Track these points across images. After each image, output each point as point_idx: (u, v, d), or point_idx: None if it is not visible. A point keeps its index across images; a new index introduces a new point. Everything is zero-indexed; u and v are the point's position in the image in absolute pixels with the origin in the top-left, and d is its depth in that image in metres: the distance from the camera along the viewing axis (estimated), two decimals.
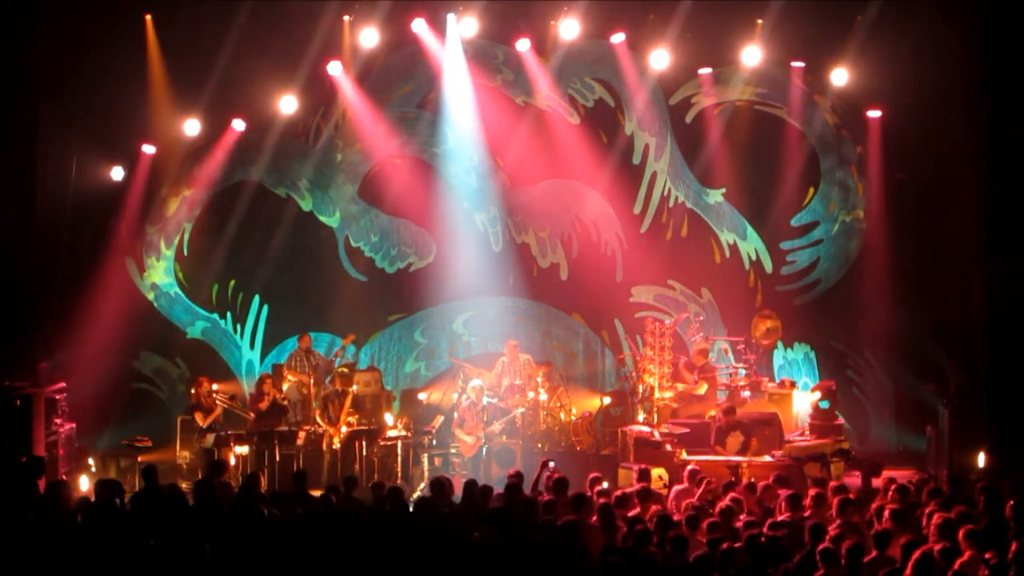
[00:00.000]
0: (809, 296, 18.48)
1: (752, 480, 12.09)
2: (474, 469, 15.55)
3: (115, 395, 17.40)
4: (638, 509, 10.53)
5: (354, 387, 16.42)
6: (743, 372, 17.34)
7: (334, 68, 17.57)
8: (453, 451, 16.11)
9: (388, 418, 16.54)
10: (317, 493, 11.44)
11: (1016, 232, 15.52)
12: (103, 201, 17.43)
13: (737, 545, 9.10)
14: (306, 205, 18.50)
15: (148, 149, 17.47)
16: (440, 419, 16.47)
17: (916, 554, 8.70)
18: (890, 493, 10.87)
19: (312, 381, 16.77)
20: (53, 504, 10.72)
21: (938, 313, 16.86)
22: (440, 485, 11.07)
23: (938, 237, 17.05)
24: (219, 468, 12.52)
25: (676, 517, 10.18)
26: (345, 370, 16.64)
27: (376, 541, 9.37)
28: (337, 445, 15.59)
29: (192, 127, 17.43)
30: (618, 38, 17.68)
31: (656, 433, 15.43)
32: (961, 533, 9.20)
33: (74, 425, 15.68)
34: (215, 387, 16.47)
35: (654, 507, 10.68)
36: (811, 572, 8.80)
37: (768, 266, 18.59)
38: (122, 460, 15.57)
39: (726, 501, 10.63)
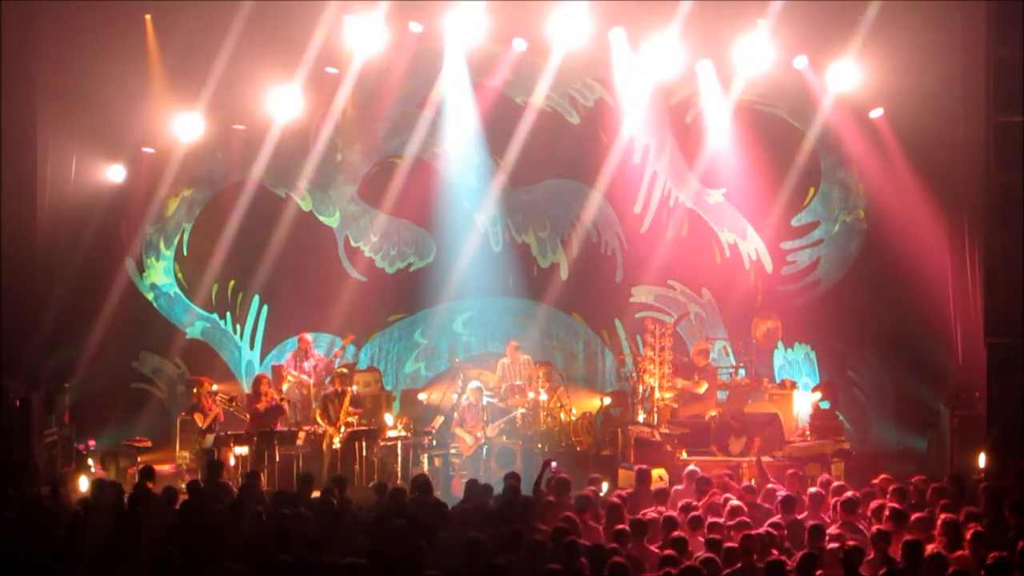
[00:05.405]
0: (809, 296, 18.46)
1: (751, 481, 12.08)
2: (474, 469, 15.54)
3: (115, 395, 17.41)
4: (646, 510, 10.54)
5: (354, 387, 16.43)
6: (743, 372, 17.34)
7: (334, 68, 17.56)
8: (453, 451, 16.10)
9: (388, 418, 16.52)
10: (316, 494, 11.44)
11: (1017, 230, 15.49)
12: (103, 201, 17.40)
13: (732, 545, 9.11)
14: (306, 205, 18.49)
15: (148, 149, 17.46)
16: (440, 419, 16.45)
17: (921, 551, 8.69)
18: (889, 493, 10.86)
19: (312, 381, 16.77)
20: (52, 505, 10.71)
21: (938, 313, 16.85)
22: (423, 483, 11.15)
23: (938, 236, 17.02)
24: (216, 469, 12.50)
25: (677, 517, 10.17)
26: (345, 370, 16.63)
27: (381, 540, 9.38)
28: (337, 445, 15.58)
29: (192, 127, 17.42)
30: (620, 37, 17.66)
31: (656, 433, 15.43)
32: (968, 535, 9.19)
33: (74, 425, 15.68)
34: (215, 387, 16.46)
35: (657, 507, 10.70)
36: (812, 572, 8.76)
37: (768, 266, 18.57)
38: (122, 460, 15.58)
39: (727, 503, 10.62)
